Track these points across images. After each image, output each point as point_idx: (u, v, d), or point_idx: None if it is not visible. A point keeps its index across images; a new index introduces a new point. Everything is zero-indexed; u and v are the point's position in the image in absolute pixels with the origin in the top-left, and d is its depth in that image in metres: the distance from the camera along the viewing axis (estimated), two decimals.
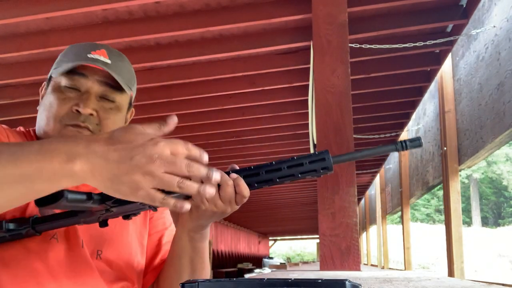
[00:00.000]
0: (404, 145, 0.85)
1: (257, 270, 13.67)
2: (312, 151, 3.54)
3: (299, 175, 0.84)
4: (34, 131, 1.11)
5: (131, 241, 1.12)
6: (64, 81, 1.05)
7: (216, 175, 0.74)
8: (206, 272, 1.07)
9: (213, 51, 4.14)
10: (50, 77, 1.09)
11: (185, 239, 1.01)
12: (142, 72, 4.57)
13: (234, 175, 0.84)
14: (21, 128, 1.12)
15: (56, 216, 0.92)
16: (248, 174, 0.85)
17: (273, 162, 0.84)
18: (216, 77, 4.67)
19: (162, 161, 0.67)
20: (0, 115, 5.22)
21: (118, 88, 1.06)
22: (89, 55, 1.05)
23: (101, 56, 1.06)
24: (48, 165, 0.68)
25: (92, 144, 0.69)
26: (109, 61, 1.06)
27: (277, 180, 0.83)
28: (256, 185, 0.86)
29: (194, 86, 4.92)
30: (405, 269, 7.96)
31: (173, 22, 3.71)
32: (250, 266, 18.03)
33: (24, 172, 0.68)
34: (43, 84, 1.13)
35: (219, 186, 0.84)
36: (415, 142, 0.84)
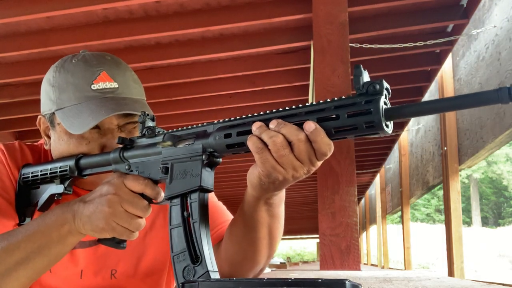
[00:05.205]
0: None
1: None
2: None
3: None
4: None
5: (151, 244, 1.08)
6: None
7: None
8: (280, 234, 0.94)
9: (213, 50, 4.14)
10: (52, 116, 1.01)
11: (262, 209, 0.85)
12: (142, 71, 4.56)
13: (309, 125, 0.66)
14: (42, 143, 1.08)
15: None
16: (325, 117, 0.65)
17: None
18: (216, 76, 4.67)
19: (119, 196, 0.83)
20: (0, 114, 5.22)
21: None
22: (93, 87, 0.96)
23: (106, 82, 0.97)
24: (54, 232, 0.86)
25: (72, 205, 0.87)
26: (116, 85, 0.98)
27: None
28: (333, 132, 0.65)
29: (194, 85, 4.91)
30: (405, 269, 7.95)
31: (174, 22, 3.71)
32: None
33: (40, 244, 0.86)
34: (39, 118, 1.06)
35: (290, 144, 0.68)
36: None
